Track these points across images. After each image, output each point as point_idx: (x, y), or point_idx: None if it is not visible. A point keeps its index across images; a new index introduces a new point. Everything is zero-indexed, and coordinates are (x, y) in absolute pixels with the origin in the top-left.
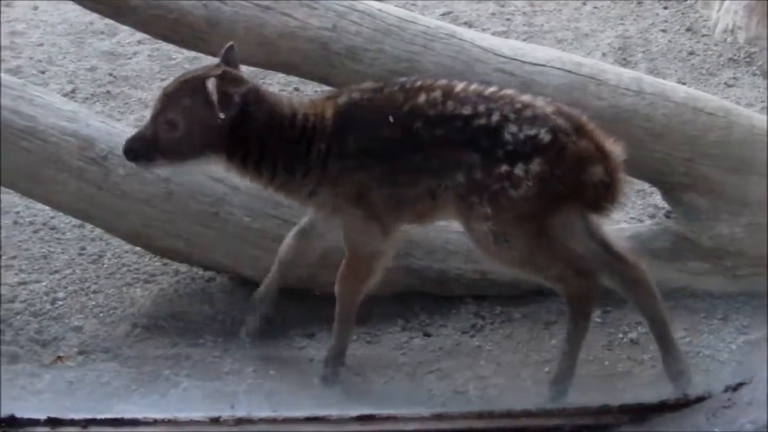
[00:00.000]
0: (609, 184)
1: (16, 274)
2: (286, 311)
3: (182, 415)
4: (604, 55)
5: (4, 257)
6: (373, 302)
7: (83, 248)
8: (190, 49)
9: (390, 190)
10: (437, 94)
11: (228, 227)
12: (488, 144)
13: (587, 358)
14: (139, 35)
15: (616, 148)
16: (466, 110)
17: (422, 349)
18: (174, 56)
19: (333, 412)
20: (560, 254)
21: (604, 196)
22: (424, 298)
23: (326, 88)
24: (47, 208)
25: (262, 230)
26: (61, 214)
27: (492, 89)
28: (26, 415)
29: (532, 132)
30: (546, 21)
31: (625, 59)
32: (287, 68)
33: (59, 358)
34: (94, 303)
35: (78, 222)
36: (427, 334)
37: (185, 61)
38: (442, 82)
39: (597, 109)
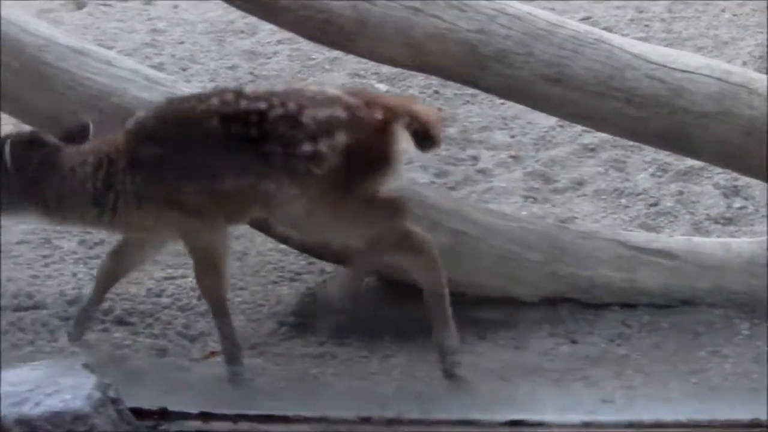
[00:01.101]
0: (421, 131)
1: (162, 269)
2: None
3: (332, 414)
4: (744, 63)
5: None
6: (520, 308)
7: None
8: (337, 50)
9: (199, 192)
10: (229, 96)
11: None
12: (288, 131)
13: (735, 371)
14: (279, 35)
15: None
16: (262, 105)
17: (569, 356)
18: (314, 56)
19: (481, 416)
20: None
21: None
22: (570, 304)
23: (470, 91)
24: None
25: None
26: None
27: (280, 88)
28: (177, 409)
29: (328, 112)
30: (685, 28)
31: (766, 68)
32: (436, 70)
33: (212, 353)
34: (240, 300)
35: None
36: (573, 341)
37: (325, 61)
38: (231, 87)
39: (749, 119)
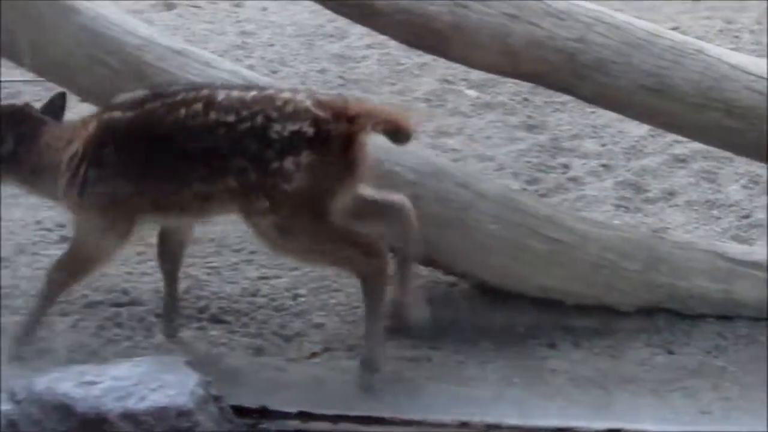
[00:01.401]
0: (391, 129)
1: (256, 269)
2: (527, 320)
3: (431, 417)
4: None
5: (243, 252)
6: (616, 317)
7: None
8: (431, 54)
9: (148, 198)
10: (198, 106)
11: (474, 234)
12: (256, 145)
13: None
14: (368, 39)
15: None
16: (230, 117)
17: (665, 366)
18: (403, 61)
19: (580, 423)
20: (344, 237)
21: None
22: (666, 314)
23: (560, 99)
24: None
25: (509, 239)
26: None
27: (253, 93)
28: (275, 408)
29: (295, 127)
30: None
31: None
32: (532, 78)
33: (314, 353)
34: (335, 301)
35: None
36: (670, 352)
37: (414, 66)
38: (204, 92)
39: None
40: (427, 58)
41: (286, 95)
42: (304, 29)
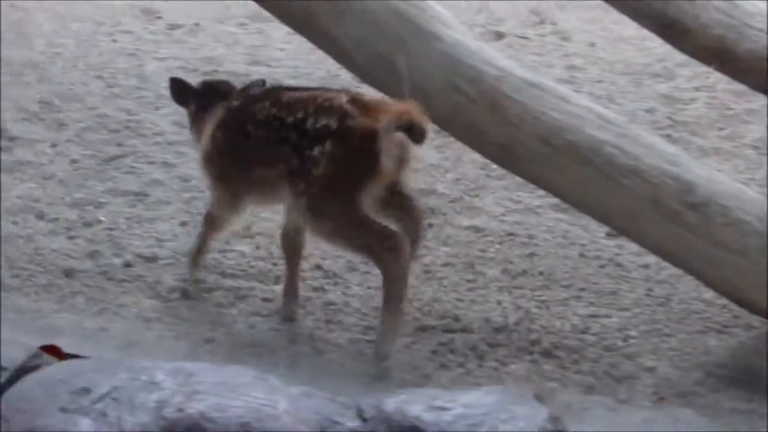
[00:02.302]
0: (407, 127)
1: (586, 306)
2: None
3: None
4: None
5: (573, 288)
6: None
7: (650, 289)
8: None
9: (238, 175)
10: (266, 103)
11: None
12: (296, 136)
13: None
14: (697, 81)
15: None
16: (283, 113)
17: None
18: (732, 106)
19: None
20: (367, 226)
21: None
22: None
23: None
24: (612, 243)
25: None
26: (626, 251)
27: (307, 93)
28: None
29: (325, 121)
30: None
31: None
32: None
33: (662, 398)
34: (666, 346)
35: (644, 262)
36: None
37: (743, 112)
38: (277, 92)
39: None
40: (757, 104)
41: (330, 94)
42: (632, 67)
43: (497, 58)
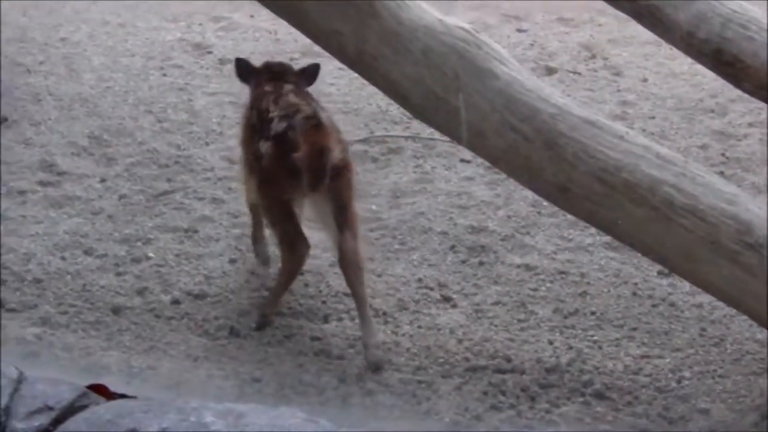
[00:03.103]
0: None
1: (638, 346)
2: None
3: None
4: None
5: (625, 328)
6: None
7: (704, 329)
8: None
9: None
10: (270, 98)
11: None
12: (265, 132)
13: None
14: (750, 116)
15: (328, 143)
16: (269, 111)
17: None
18: None
19: None
20: (280, 224)
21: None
22: None
23: None
24: (665, 282)
25: None
26: (678, 290)
27: (294, 98)
28: None
29: (279, 126)
30: None
31: None
32: None
33: None
34: (720, 388)
35: (697, 302)
36: None
37: None
38: (281, 92)
39: None
40: None
41: (302, 105)
42: (684, 103)
43: (553, 96)
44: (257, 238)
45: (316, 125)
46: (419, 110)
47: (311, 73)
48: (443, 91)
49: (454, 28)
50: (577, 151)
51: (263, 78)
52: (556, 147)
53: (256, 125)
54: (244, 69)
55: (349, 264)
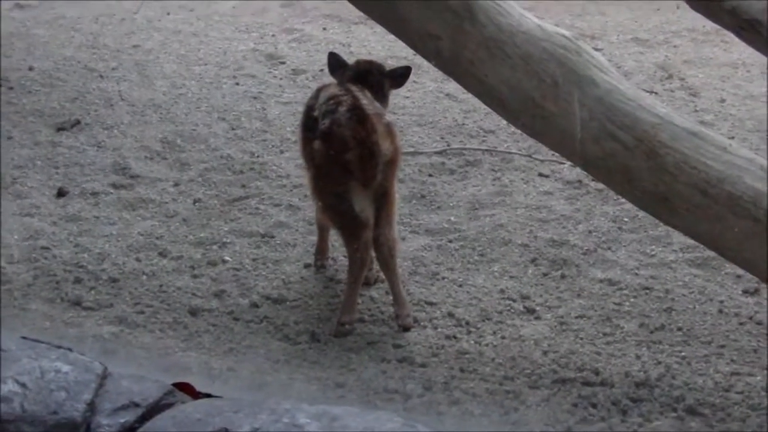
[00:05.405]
0: (361, 167)
1: (728, 363)
2: None
3: None
4: None
5: (713, 345)
6: None
7: None
8: None
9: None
10: (313, 94)
11: None
12: (315, 128)
13: None
14: None
15: (380, 141)
16: (316, 107)
17: None
18: None
19: None
20: (338, 214)
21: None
22: None
23: None
24: (751, 301)
25: None
26: (765, 309)
27: (339, 93)
28: None
29: (325, 122)
30: None
31: None
32: None
33: None
34: None
35: None
36: None
37: None
38: (327, 90)
39: None
40: None
41: (346, 98)
42: (763, 124)
43: (655, 106)
44: (322, 251)
45: (361, 118)
46: (514, 116)
47: (401, 74)
48: (541, 98)
49: (554, 35)
50: (678, 162)
51: (347, 74)
52: (656, 157)
53: (307, 123)
54: (335, 62)
55: (381, 245)
